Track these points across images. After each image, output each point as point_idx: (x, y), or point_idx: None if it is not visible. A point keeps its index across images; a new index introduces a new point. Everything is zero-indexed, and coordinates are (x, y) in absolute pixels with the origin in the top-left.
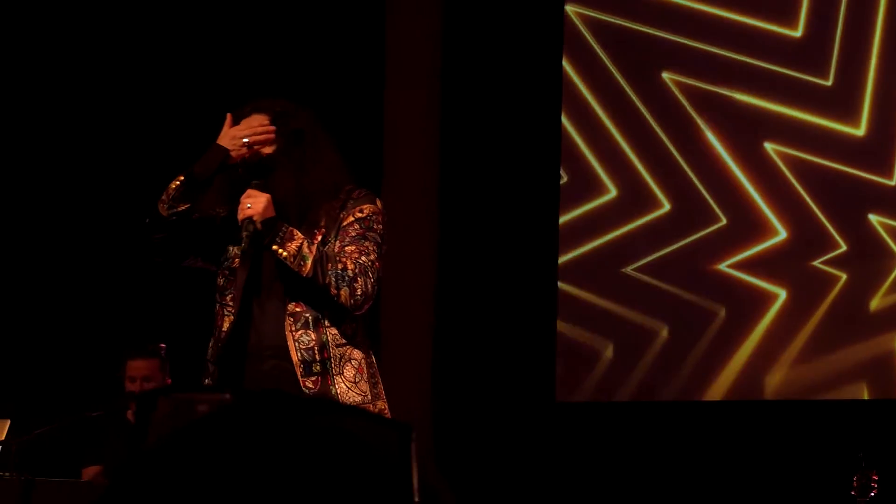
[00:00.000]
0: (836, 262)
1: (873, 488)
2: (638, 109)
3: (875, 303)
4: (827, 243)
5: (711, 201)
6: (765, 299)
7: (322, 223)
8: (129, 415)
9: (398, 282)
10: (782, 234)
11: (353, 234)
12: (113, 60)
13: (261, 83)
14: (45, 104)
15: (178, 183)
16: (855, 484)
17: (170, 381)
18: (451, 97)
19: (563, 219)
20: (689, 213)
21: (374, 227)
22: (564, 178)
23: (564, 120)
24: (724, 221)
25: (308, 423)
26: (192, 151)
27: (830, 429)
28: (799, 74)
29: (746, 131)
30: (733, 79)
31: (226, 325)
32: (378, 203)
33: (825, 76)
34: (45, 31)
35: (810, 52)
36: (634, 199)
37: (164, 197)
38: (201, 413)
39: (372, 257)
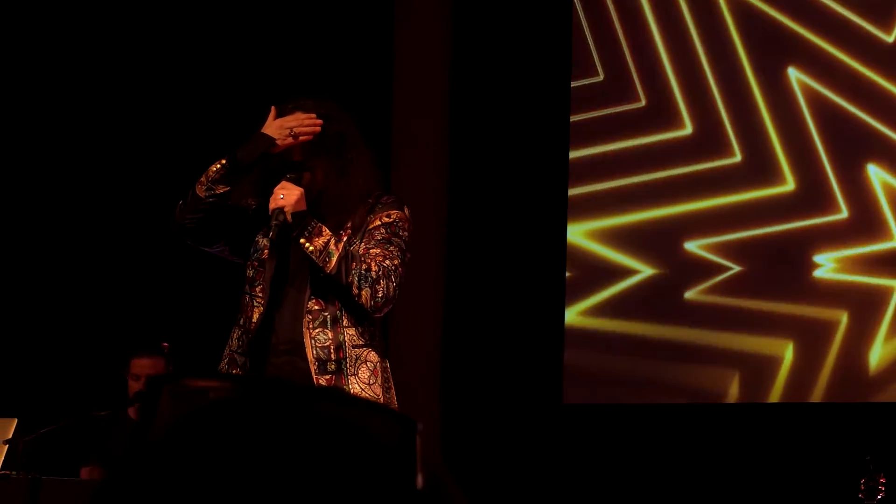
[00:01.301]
0: (838, 229)
1: (881, 491)
2: (685, 21)
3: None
4: (830, 203)
5: (731, 132)
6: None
7: (349, 224)
8: (132, 412)
9: (406, 282)
10: (790, 185)
11: (379, 237)
12: (115, 58)
13: (269, 83)
14: (49, 103)
15: (219, 166)
16: (862, 487)
17: None
18: (460, 89)
19: (573, 118)
20: (707, 139)
21: (401, 233)
22: (601, 77)
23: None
24: (738, 158)
25: (311, 413)
26: (198, 150)
27: (837, 431)
28: (862, 22)
29: (785, 66)
30: (793, 10)
31: (255, 317)
32: (406, 211)
33: (888, 31)
34: (54, 33)
35: (880, 5)
36: (660, 113)
37: (202, 179)
38: (207, 400)
39: (396, 262)
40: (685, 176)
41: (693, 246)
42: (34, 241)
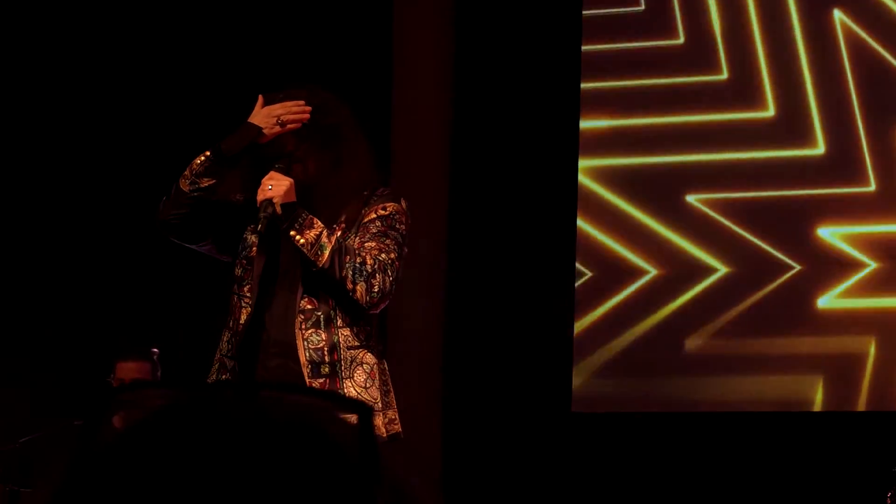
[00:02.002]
0: (861, 202)
1: None
2: None
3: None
4: (858, 172)
5: (767, 81)
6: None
7: (342, 219)
8: (116, 420)
9: (406, 278)
10: (820, 148)
11: (374, 230)
12: (108, 54)
13: (265, 76)
14: (23, 96)
15: (203, 158)
16: (889, 501)
17: None
18: (464, 79)
19: (603, 46)
20: (741, 87)
21: (397, 226)
22: (642, 7)
23: None
24: (770, 112)
25: (263, 417)
26: (190, 146)
27: (863, 442)
28: None
29: (830, 7)
30: None
31: (243, 318)
32: (402, 203)
33: None
34: (48, 27)
35: None
36: (697, 53)
37: (186, 172)
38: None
39: (392, 256)
40: (712, 124)
41: (694, 199)
42: (15, 240)
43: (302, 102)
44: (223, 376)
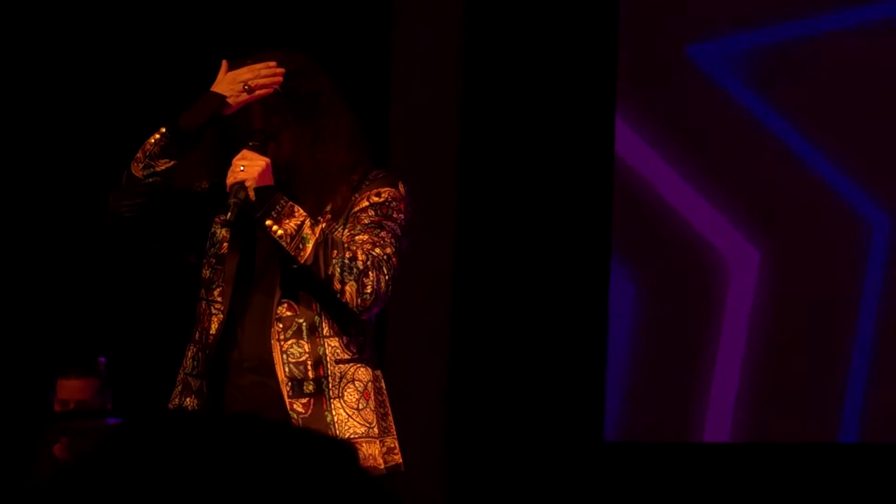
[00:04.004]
0: None
1: None
2: None
3: None
4: None
5: None
6: None
7: (328, 208)
8: (57, 450)
9: (406, 284)
10: None
11: (367, 221)
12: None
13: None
14: None
15: (158, 136)
16: None
17: (111, 405)
18: (474, 47)
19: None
20: None
21: (394, 215)
22: None
23: None
24: None
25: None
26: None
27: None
28: None
29: None
30: None
31: (214, 327)
32: (401, 188)
33: None
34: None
35: None
36: None
37: (139, 155)
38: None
39: (388, 251)
40: None
41: None
42: None
43: (273, 64)
44: (187, 399)
